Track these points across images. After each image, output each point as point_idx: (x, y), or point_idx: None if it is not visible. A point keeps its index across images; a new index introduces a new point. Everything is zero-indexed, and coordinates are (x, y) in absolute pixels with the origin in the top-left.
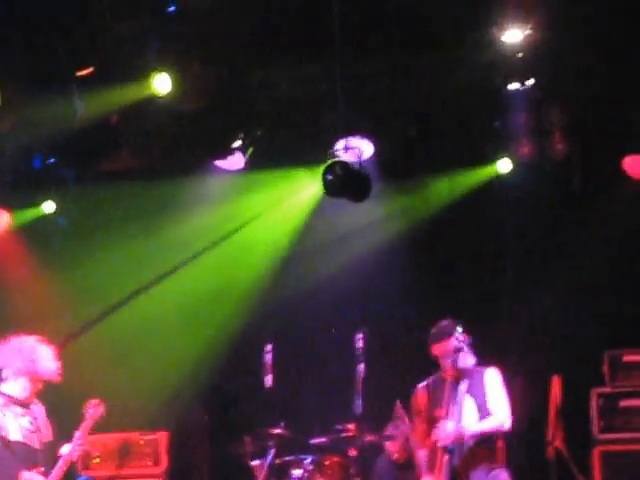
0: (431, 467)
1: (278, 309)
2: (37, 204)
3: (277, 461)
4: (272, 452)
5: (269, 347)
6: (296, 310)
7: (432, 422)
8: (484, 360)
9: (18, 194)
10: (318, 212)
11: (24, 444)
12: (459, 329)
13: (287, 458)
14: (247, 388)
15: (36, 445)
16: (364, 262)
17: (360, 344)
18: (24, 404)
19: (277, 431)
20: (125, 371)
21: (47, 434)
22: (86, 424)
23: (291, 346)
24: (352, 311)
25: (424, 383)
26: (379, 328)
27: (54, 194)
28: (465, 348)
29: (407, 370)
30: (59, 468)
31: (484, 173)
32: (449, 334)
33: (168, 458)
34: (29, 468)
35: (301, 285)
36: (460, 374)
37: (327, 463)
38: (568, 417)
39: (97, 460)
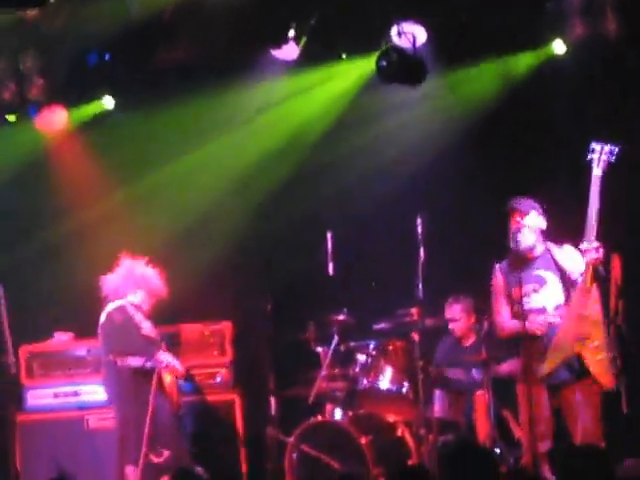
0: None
1: (338, 195)
2: (94, 101)
3: (341, 347)
4: (336, 338)
5: (330, 234)
6: (356, 196)
7: (513, 302)
8: (556, 238)
9: (74, 92)
10: (372, 99)
11: (153, 337)
12: (538, 207)
13: (351, 344)
14: (309, 276)
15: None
16: (421, 148)
17: (420, 228)
18: (145, 314)
19: (340, 317)
20: (186, 261)
21: None
22: None
23: (352, 232)
24: (411, 195)
25: (499, 264)
26: (438, 212)
27: (110, 91)
28: (542, 225)
29: (466, 254)
30: None
31: (538, 56)
32: (528, 210)
33: (233, 348)
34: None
35: (361, 171)
36: (536, 251)
37: (390, 348)
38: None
39: None
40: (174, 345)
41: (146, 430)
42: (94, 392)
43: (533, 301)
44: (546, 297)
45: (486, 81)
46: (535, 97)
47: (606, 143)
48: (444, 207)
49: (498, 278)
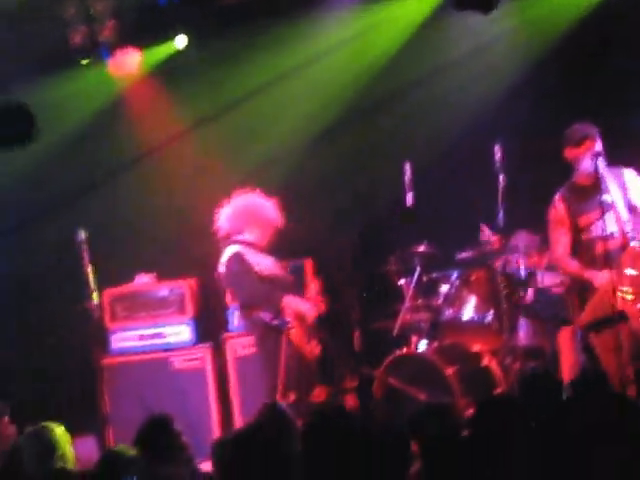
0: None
1: (414, 123)
2: (166, 41)
3: (424, 278)
4: (418, 270)
5: (408, 165)
6: (433, 125)
7: (577, 232)
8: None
9: (146, 33)
10: (442, 28)
11: (276, 275)
12: (595, 131)
13: (433, 275)
14: (388, 207)
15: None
16: (497, 75)
17: (499, 155)
18: (264, 250)
19: (421, 249)
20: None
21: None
22: None
23: (430, 162)
24: (489, 123)
25: (559, 193)
26: (517, 139)
27: (182, 30)
28: (600, 149)
29: (546, 181)
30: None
31: None
32: (589, 136)
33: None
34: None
35: (436, 99)
36: (599, 178)
37: (473, 277)
38: None
39: None
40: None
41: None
42: (178, 333)
43: (599, 228)
44: (611, 222)
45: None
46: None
47: None
48: (522, 133)
49: (559, 207)
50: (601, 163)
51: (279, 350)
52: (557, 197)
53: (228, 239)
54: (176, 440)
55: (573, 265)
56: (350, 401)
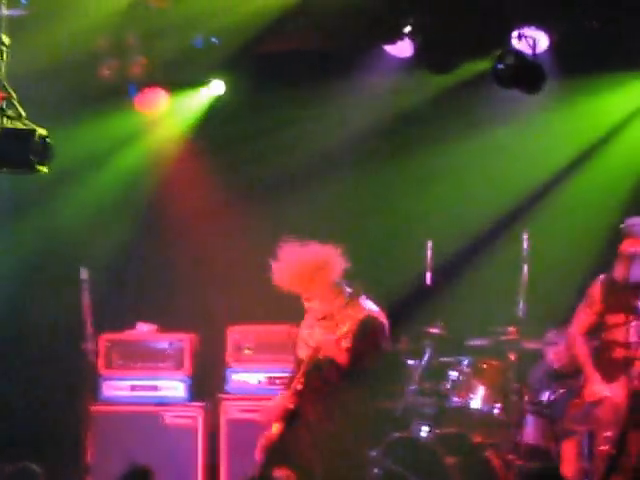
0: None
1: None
2: (199, 85)
3: (433, 361)
4: (429, 352)
5: (429, 244)
6: (455, 209)
7: (603, 322)
8: None
9: (178, 73)
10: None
11: None
12: None
13: (444, 359)
14: (406, 286)
15: None
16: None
17: (525, 245)
18: None
19: (435, 330)
20: None
21: None
22: None
23: (452, 245)
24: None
25: (604, 275)
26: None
27: (217, 74)
28: None
29: (571, 275)
30: None
31: None
32: None
33: None
34: None
35: (467, 180)
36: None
37: (485, 366)
38: None
39: None
40: None
41: None
42: (173, 388)
43: (620, 332)
44: (636, 332)
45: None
46: None
47: None
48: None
49: (596, 290)
50: None
51: None
52: (600, 279)
53: None
54: None
55: (583, 350)
56: None
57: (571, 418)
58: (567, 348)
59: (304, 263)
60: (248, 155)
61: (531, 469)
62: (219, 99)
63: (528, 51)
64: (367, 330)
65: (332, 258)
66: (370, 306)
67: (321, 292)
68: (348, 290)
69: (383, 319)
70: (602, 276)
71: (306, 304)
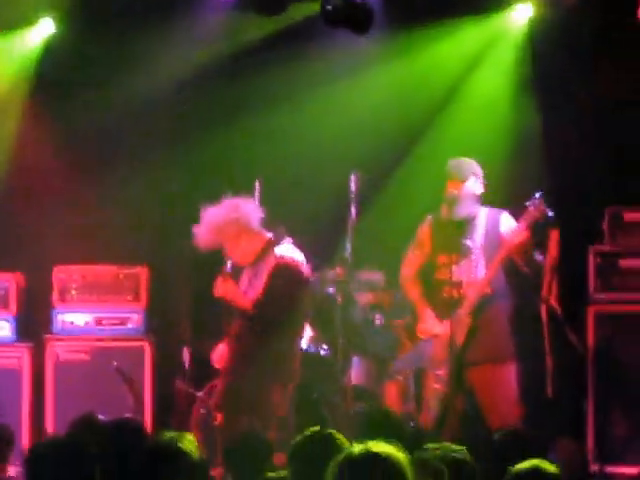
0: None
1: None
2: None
3: None
4: None
5: None
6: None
7: (433, 262)
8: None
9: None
10: None
11: None
12: (478, 171)
13: None
14: None
15: None
16: None
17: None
18: None
19: None
20: None
21: None
22: None
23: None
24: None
25: (432, 216)
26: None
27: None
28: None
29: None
30: None
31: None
32: (468, 176)
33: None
34: None
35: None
36: (469, 218)
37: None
38: (564, 274)
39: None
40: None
41: None
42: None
43: (448, 271)
44: (466, 270)
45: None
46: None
47: None
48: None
49: (424, 230)
50: (477, 203)
51: None
52: (428, 218)
53: None
54: None
55: (414, 291)
56: None
57: (400, 359)
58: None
59: (220, 218)
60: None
61: (356, 411)
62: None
63: None
64: (276, 280)
65: (246, 208)
66: (284, 252)
67: (241, 243)
68: (268, 236)
69: (296, 264)
70: (429, 216)
71: (230, 258)
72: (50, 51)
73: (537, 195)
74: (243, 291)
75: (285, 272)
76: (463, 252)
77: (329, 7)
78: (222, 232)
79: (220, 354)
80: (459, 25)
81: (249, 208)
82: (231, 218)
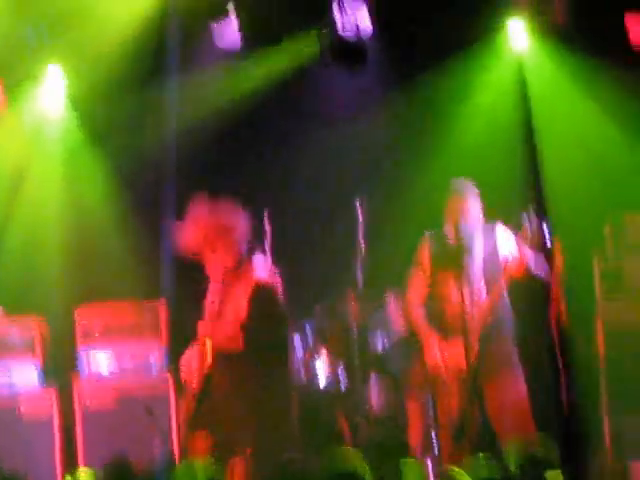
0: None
1: None
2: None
3: None
4: None
5: None
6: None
7: (436, 282)
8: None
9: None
10: None
11: None
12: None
13: None
14: None
15: None
16: None
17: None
18: None
19: None
20: None
21: None
22: None
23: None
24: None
25: (427, 235)
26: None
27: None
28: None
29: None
30: None
31: None
32: (470, 194)
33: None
34: None
35: None
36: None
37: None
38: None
39: None
40: None
41: None
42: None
43: (451, 291)
44: (467, 288)
45: None
46: None
47: None
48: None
49: (424, 250)
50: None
51: None
52: (426, 237)
53: None
54: None
55: (420, 319)
56: None
57: (415, 385)
58: (403, 313)
59: (211, 224)
60: None
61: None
62: None
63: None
64: (256, 306)
65: (238, 220)
66: (260, 272)
67: (223, 254)
68: (244, 249)
69: (272, 285)
70: (427, 234)
71: (207, 266)
72: None
73: (531, 211)
74: (215, 311)
75: (265, 295)
76: (463, 270)
77: (325, 46)
78: (206, 236)
79: (188, 360)
80: (454, 60)
81: (238, 217)
82: (218, 222)
